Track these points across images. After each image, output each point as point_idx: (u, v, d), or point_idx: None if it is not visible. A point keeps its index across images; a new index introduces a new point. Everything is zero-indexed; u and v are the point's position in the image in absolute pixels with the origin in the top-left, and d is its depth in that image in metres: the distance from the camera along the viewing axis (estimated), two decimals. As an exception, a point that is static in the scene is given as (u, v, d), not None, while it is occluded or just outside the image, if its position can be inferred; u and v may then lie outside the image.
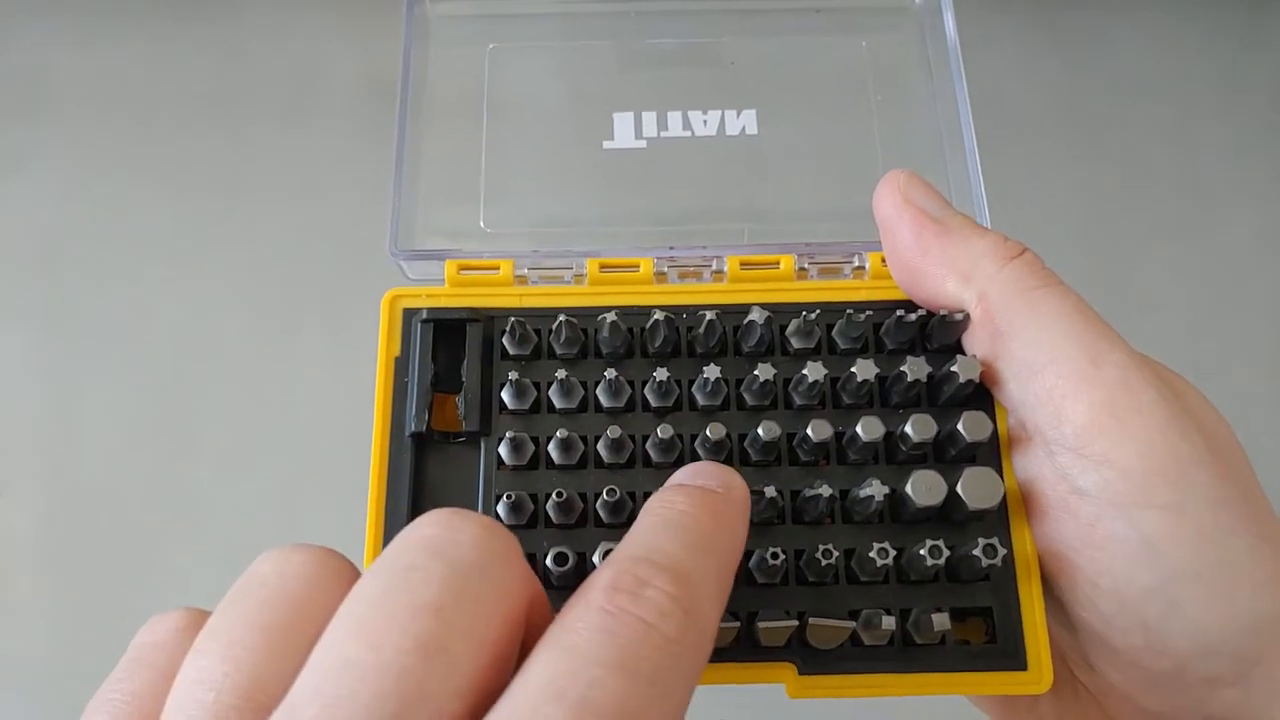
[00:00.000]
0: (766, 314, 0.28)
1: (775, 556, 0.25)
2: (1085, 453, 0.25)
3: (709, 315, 0.28)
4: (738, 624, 0.25)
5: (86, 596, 0.76)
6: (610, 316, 0.28)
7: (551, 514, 0.27)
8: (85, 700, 0.19)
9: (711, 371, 0.27)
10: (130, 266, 0.84)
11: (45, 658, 0.75)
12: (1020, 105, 0.83)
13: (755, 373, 0.27)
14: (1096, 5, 0.88)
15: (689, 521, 0.20)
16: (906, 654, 0.26)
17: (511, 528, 0.27)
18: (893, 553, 0.25)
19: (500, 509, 0.27)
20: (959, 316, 0.27)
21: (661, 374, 0.27)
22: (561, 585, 0.26)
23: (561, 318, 0.28)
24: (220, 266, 0.84)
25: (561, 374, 0.27)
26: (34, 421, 0.80)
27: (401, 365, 0.29)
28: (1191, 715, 0.26)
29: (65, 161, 0.87)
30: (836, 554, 0.25)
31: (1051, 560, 0.26)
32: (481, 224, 0.34)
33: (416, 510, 0.28)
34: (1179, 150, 0.84)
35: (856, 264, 0.30)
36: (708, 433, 0.26)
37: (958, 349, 0.28)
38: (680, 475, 0.22)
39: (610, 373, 0.27)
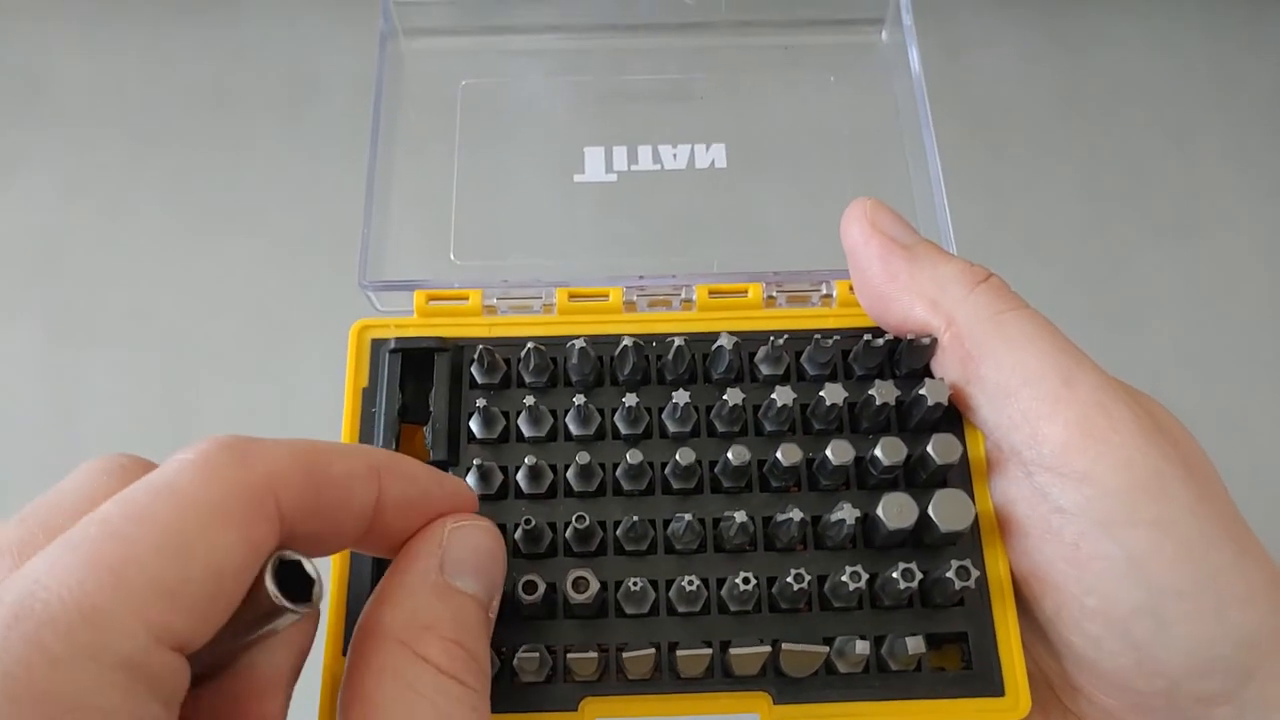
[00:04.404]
0: (735, 339, 0.28)
1: (747, 582, 0.25)
2: (1064, 471, 0.24)
3: (677, 341, 0.27)
4: (710, 651, 0.25)
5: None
6: (579, 343, 0.27)
7: (520, 543, 0.26)
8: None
9: (680, 397, 0.27)
10: (130, 266, 0.83)
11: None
12: (1020, 105, 0.84)
13: (724, 398, 0.27)
14: (1096, 6, 0.88)
15: None
16: (882, 681, 0.26)
17: None
18: (865, 577, 0.25)
19: None
20: (927, 340, 0.27)
21: (630, 400, 0.27)
22: (531, 615, 0.26)
23: (530, 345, 0.27)
24: (219, 266, 0.83)
25: (529, 401, 0.27)
26: (34, 421, 0.79)
27: (369, 396, 0.29)
28: None
29: (65, 161, 0.87)
30: (809, 579, 0.25)
31: (1034, 583, 0.26)
32: (452, 256, 0.34)
33: None
34: (1178, 150, 0.84)
35: (824, 292, 0.30)
36: (678, 458, 0.26)
37: (926, 373, 0.28)
38: None
39: (579, 399, 0.27)
